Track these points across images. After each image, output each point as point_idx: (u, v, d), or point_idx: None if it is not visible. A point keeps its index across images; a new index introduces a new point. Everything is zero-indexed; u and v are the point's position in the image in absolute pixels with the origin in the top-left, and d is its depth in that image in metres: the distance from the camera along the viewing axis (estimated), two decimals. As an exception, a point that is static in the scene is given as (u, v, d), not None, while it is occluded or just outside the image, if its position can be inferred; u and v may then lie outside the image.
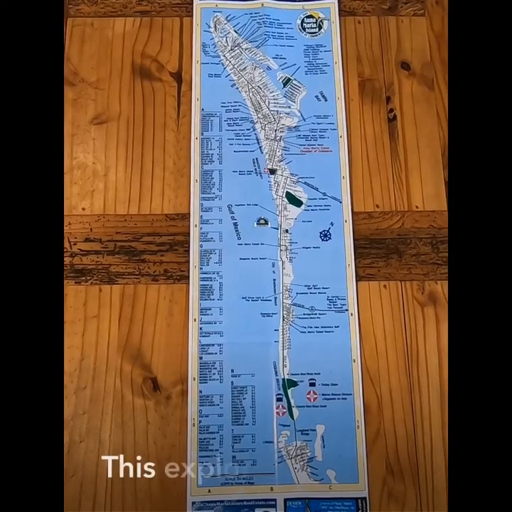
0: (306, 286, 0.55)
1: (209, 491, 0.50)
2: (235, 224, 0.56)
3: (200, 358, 0.53)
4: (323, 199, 0.57)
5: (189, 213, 0.57)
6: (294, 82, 0.61)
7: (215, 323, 0.54)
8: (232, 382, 0.52)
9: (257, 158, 0.58)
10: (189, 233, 0.56)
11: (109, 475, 0.50)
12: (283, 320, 0.54)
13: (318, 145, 0.59)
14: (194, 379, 0.52)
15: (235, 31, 0.62)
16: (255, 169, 0.58)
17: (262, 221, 0.57)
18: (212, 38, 0.62)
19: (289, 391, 0.52)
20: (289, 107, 0.60)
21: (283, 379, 0.52)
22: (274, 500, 0.50)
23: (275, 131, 0.59)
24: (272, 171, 0.58)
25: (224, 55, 0.62)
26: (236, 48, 0.62)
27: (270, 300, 0.54)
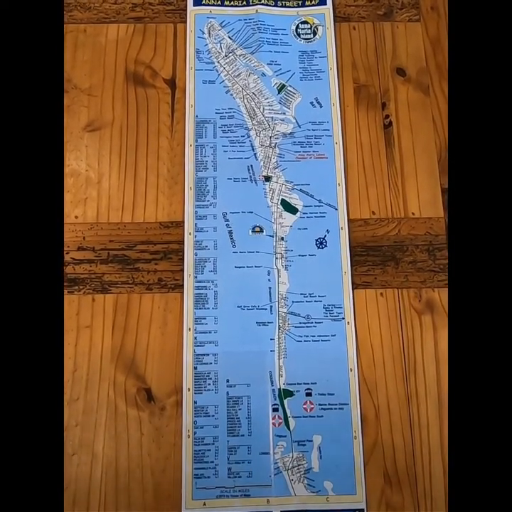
0: (302, 294, 0.54)
1: (204, 504, 0.49)
2: (230, 232, 0.56)
3: (195, 368, 0.52)
4: (319, 206, 0.57)
5: (183, 221, 0.56)
6: (288, 88, 0.61)
7: (210, 332, 0.53)
8: (227, 392, 0.52)
9: (251, 165, 0.58)
10: (183, 241, 0.56)
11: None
12: (279, 329, 0.53)
13: (314, 152, 0.58)
14: (189, 389, 0.51)
15: (229, 37, 0.62)
16: (250, 176, 0.57)
17: (257, 229, 0.56)
18: (206, 45, 0.62)
19: (285, 401, 0.51)
20: (284, 113, 0.60)
21: (279, 389, 0.52)
22: (271, 512, 0.49)
23: (270, 137, 0.59)
24: (267, 178, 0.58)
25: (218, 62, 0.61)
26: (230, 54, 0.61)
27: (266, 309, 0.54)
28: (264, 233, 0.56)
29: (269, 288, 0.54)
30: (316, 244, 0.56)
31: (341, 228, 0.56)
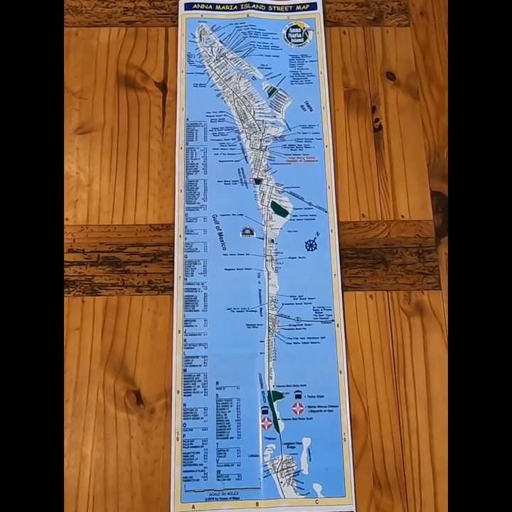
0: (291, 296, 0.54)
1: (193, 507, 0.49)
2: (220, 234, 0.56)
3: (185, 370, 0.52)
4: (309, 209, 0.57)
5: (173, 223, 0.56)
6: (279, 91, 0.61)
7: (199, 334, 0.53)
8: (216, 394, 0.51)
9: (242, 168, 0.58)
10: (173, 244, 0.56)
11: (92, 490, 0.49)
12: (268, 331, 0.53)
13: (304, 155, 0.59)
14: (178, 392, 0.51)
15: (221, 41, 0.62)
16: (240, 179, 0.58)
17: (248, 231, 0.56)
18: (198, 48, 0.62)
19: (275, 403, 0.51)
20: (275, 116, 0.60)
21: (268, 391, 0.52)
22: (260, 515, 0.49)
23: (260, 140, 0.59)
24: (258, 181, 0.58)
25: (209, 65, 0.62)
26: (221, 58, 0.62)
27: (256, 311, 0.54)
28: (255, 235, 0.56)
29: (259, 290, 0.54)
30: (306, 247, 0.56)
31: (331, 231, 0.56)
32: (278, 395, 0.52)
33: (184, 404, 0.51)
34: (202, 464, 0.50)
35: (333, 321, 0.54)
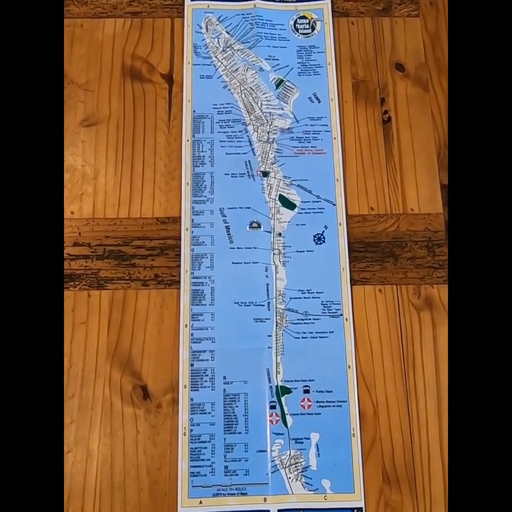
0: (299, 290, 0.54)
1: (200, 503, 0.48)
2: (227, 227, 0.55)
3: (192, 364, 0.51)
4: (317, 202, 0.56)
5: (180, 217, 0.56)
6: (286, 83, 0.60)
7: (206, 329, 0.52)
8: (224, 389, 0.51)
9: (249, 161, 0.57)
10: (180, 237, 0.55)
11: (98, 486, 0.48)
12: (276, 325, 0.53)
13: (312, 147, 0.58)
14: (185, 386, 0.51)
15: (227, 32, 0.62)
16: (247, 172, 0.57)
17: (255, 224, 0.56)
18: (204, 39, 0.61)
19: (283, 398, 0.51)
20: (282, 108, 0.59)
21: (276, 386, 0.51)
22: (268, 511, 0.48)
23: (268, 133, 0.58)
24: (265, 174, 0.57)
25: (216, 56, 0.61)
26: (228, 49, 0.61)
27: (263, 305, 0.53)
28: (262, 229, 0.55)
29: (267, 284, 0.54)
30: (314, 240, 0.55)
31: (340, 224, 0.56)
32: (286, 390, 0.51)
33: (191, 399, 0.51)
34: (209, 459, 0.49)
35: (341, 315, 0.53)
